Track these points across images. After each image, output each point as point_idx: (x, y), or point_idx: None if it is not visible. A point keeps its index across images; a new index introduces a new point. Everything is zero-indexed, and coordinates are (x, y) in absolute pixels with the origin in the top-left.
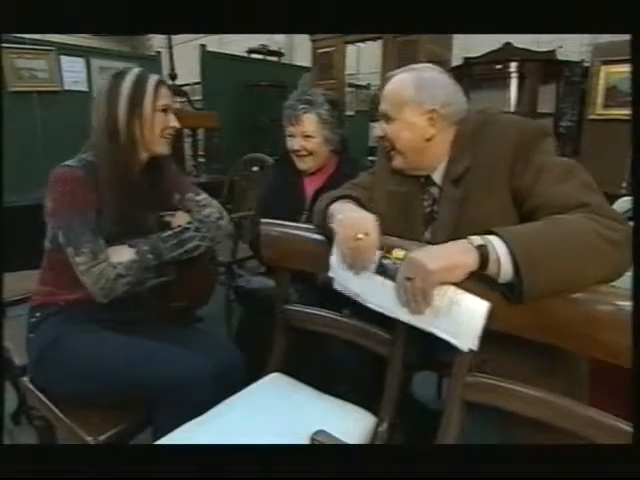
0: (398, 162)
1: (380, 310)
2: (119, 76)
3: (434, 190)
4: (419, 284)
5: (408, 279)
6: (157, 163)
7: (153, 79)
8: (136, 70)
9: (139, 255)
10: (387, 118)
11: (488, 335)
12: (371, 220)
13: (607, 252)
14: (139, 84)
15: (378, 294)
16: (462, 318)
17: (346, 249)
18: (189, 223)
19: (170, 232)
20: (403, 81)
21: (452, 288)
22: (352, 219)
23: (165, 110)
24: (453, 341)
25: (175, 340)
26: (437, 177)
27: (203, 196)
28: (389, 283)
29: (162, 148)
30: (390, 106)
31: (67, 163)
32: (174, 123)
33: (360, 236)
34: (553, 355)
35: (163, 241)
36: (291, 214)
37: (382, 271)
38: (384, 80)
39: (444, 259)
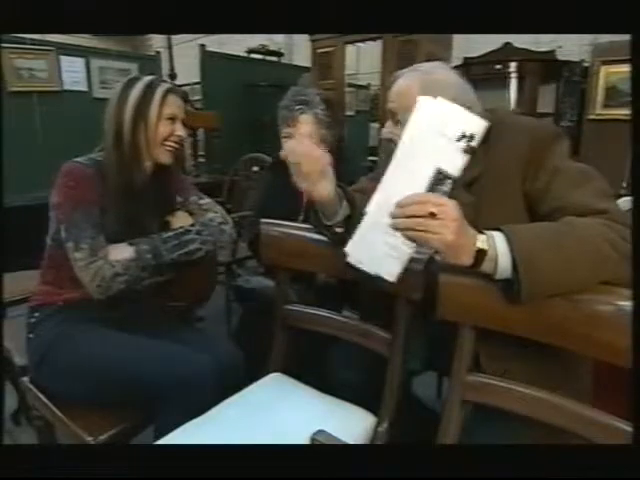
0: None
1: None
2: (131, 82)
3: None
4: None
5: (432, 214)
6: (163, 170)
7: (162, 87)
8: (148, 78)
9: (138, 254)
10: (396, 119)
11: (508, 344)
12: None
13: (614, 261)
14: (147, 91)
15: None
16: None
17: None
18: (191, 225)
19: (171, 233)
20: (410, 81)
21: None
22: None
23: (172, 119)
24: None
25: (175, 339)
26: None
27: (206, 200)
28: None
29: (163, 157)
30: (399, 107)
31: (77, 160)
32: (179, 132)
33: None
34: (568, 362)
35: (163, 242)
36: (288, 214)
37: None
38: (391, 79)
39: (459, 239)
